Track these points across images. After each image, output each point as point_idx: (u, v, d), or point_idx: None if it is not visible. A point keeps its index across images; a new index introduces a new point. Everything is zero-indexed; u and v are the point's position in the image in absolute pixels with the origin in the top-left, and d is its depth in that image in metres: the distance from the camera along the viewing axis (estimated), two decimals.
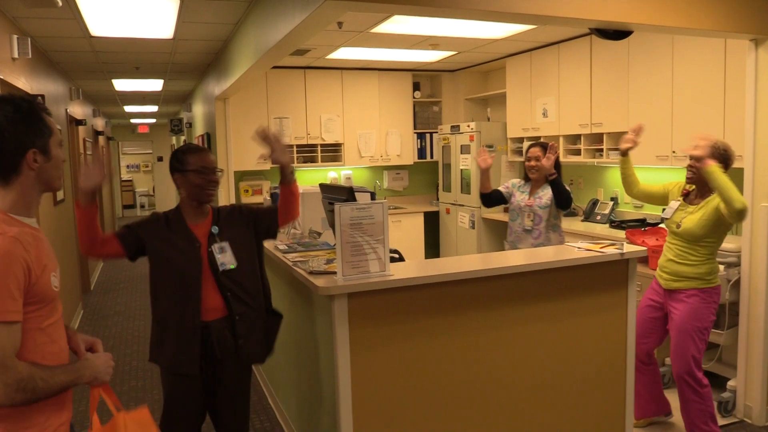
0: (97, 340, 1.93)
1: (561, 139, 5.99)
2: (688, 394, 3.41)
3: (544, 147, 4.11)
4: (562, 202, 4.00)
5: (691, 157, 3.33)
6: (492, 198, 4.28)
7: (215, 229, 2.71)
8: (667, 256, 3.50)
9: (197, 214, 2.73)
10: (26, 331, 1.56)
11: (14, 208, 1.65)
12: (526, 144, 6.50)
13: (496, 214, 6.78)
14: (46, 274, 1.61)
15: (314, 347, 3.00)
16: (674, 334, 3.44)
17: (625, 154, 3.69)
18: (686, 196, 3.49)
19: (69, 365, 1.70)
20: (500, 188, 4.33)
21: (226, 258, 2.67)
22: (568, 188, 4.05)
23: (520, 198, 4.18)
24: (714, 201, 3.28)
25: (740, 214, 3.12)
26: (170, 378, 2.71)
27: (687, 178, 3.43)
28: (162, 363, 2.71)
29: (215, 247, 2.66)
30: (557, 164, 4.07)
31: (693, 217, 3.35)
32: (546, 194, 4.06)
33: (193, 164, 2.67)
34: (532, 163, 4.09)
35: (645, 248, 3.31)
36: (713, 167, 3.14)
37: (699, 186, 3.41)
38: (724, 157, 3.30)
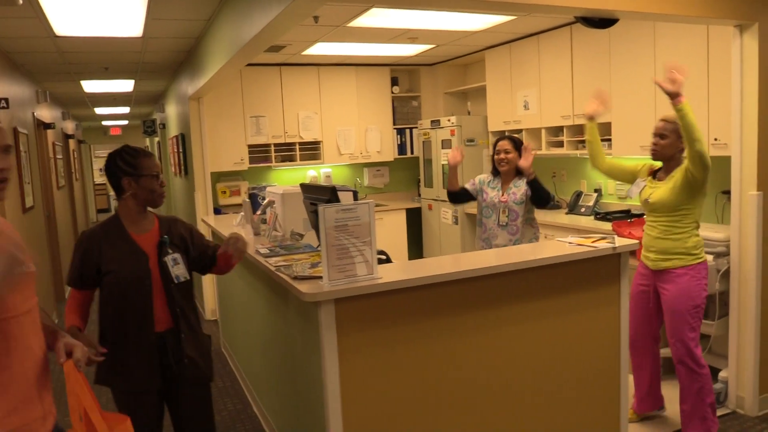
0: (78, 343, 1.88)
1: (543, 132, 5.93)
2: (688, 380, 3.36)
3: (513, 140, 4.05)
4: (541, 201, 3.94)
5: (662, 119, 3.38)
6: (459, 195, 4.23)
7: (166, 239, 2.60)
8: (651, 235, 3.45)
9: (141, 222, 2.61)
10: None
11: None
12: None
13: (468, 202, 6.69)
14: None
15: (300, 354, 2.88)
16: (668, 317, 3.39)
17: (591, 119, 3.64)
18: (654, 174, 3.48)
19: None
20: (467, 185, 4.24)
21: (179, 270, 2.60)
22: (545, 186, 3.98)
23: (493, 194, 4.09)
24: (679, 169, 3.29)
25: (702, 158, 3.11)
26: (128, 397, 2.58)
27: (651, 152, 3.42)
28: (118, 384, 2.57)
29: (168, 259, 2.57)
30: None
31: (663, 188, 3.35)
32: (519, 189, 3.98)
33: (147, 168, 2.56)
34: (501, 156, 4.02)
35: (637, 241, 3.24)
36: (686, 104, 3.11)
37: (665, 162, 3.42)
38: (679, 133, 3.27)
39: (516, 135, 6.23)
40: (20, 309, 1.72)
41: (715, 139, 4.21)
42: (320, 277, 2.53)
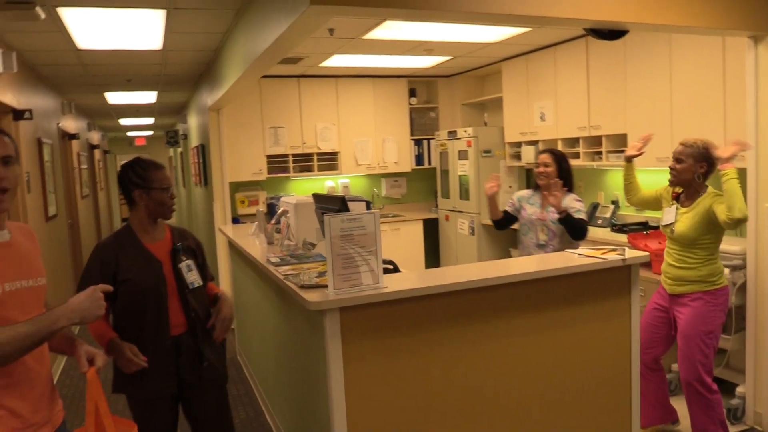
0: (99, 352, 1.97)
1: (559, 143, 5.91)
2: (696, 401, 3.32)
3: (554, 154, 3.91)
4: (576, 236, 3.73)
5: (681, 143, 3.35)
6: (503, 222, 4.09)
7: (179, 246, 2.68)
8: (667, 261, 3.45)
9: (153, 232, 2.68)
10: None
11: None
12: (524, 149, 6.42)
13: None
14: None
15: (307, 363, 2.91)
16: (680, 340, 3.35)
17: (629, 160, 3.63)
18: (677, 198, 3.45)
19: (37, 315, 1.72)
20: (507, 207, 4.10)
21: (193, 276, 2.68)
22: (583, 211, 3.78)
23: (531, 211, 3.93)
24: (704, 202, 3.26)
25: (738, 223, 3.09)
26: (145, 404, 2.63)
27: (670, 182, 3.42)
28: (133, 390, 2.61)
29: (183, 266, 2.65)
30: (569, 179, 3.89)
31: (685, 219, 3.31)
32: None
33: (158, 182, 2.63)
34: (541, 169, 3.86)
35: (647, 253, 3.21)
36: (732, 171, 3.11)
37: (685, 188, 3.38)
38: (704, 156, 3.24)
39: (532, 146, 6.24)
40: (18, 322, 1.72)
41: None
42: (326, 286, 2.55)
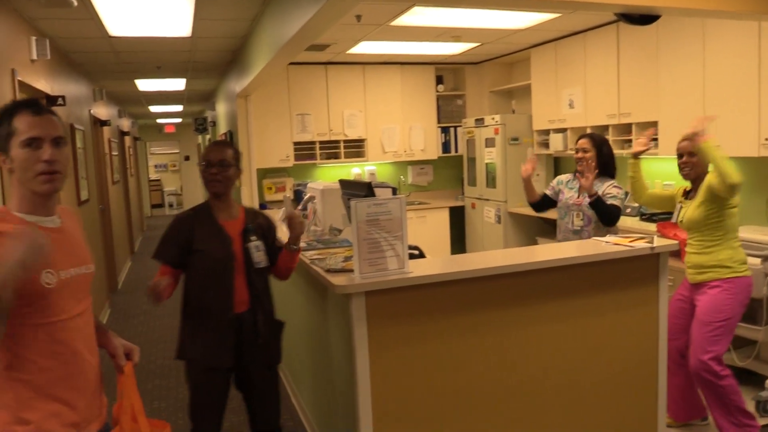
0: (135, 347, 1.92)
1: (588, 131, 5.83)
2: (709, 391, 3.28)
3: (594, 139, 3.81)
4: (606, 221, 3.66)
5: (683, 138, 3.37)
6: (541, 204, 4.02)
7: (251, 227, 2.78)
8: (688, 251, 3.49)
9: (225, 209, 2.79)
10: (16, 326, 1.61)
11: (17, 206, 1.71)
12: (552, 136, 6.36)
13: (523, 208, 6.64)
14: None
15: (333, 346, 2.94)
16: (693, 327, 3.33)
17: (636, 157, 3.61)
18: (686, 195, 3.48)
19: None
20: (546, 191, 4.05)
21: (261, 257, 2.76)
22: (618, 195, 3.69)
23: (569, 195, 3.87)
24: (705, 181, 3.27)
25: (733, 189, 3.10)
26: (200, 372, 2.74)
27: (685, 176, 3.42)
28: (194, 358, 2.74)
29: (252, 245, 2.74)
30: (610, 164, 3.81)
31: (690, 207, 3.35)
32: (597, 192, 3.71)
33: (203, 158, 2.76)
34: (579, 155, 3.78)
35: (677, 242, 3.17)
36: (706, 143, 3.14)
37: (695, 183, 3.40)
38: None
39: (560, 134, 6.18)
40: (72, 311, 1.72)
41: (766, 139, 4.08)
42: (352, 271, 2.57)
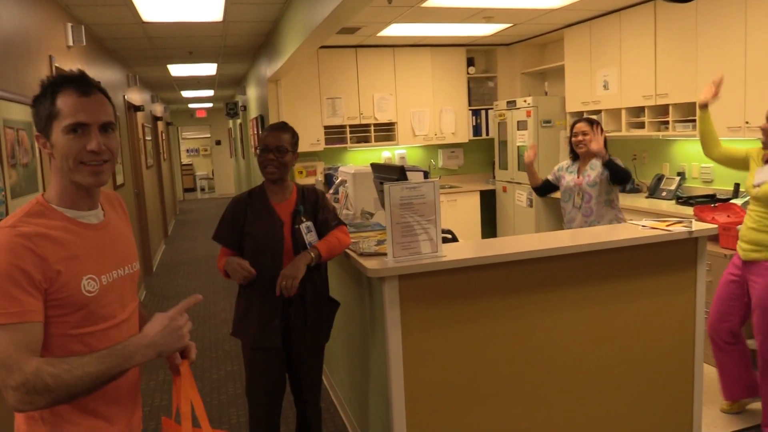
0: (191, 343, 1.64)
1: (623, 112, 5.73)
2: None
3: (591, 122, 3.98)
4: (620, 180, 3.88)
5: None
6: (543, 188, 4.30)
7: (301, 208, 2.76)
8: (746, 224, 3.28)
9: (279, 192, 2.77)
10: (53, 336, 1.42)
11: (57, 198, 1.49)
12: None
13: (555, 192, 6.57)
14: (70, 277, 1.42)
15: (367, 329, 2.95)
16: (755, 312, 3.22)
17: (704, 107, 3.47)
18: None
19: (106, 349, 1.40)
20: (548, 177, 4.28)
21: (313, 237, 2.74)
22: (622, 164, 3.87)
23: (569, 179, 4.09)
24: None
25: None
26: (251, 351, 2.77)
27: (763, 143, 3.22)
28: (245, 338, 2.78)
29: (303, 227, 2.72)
30: (605, 146, 3.95)
31: None
32: (594, 171, 3.93)
33: (261, 143, 2.73)
34: (579, 138, 3.97)
35: (716, 226, 3.10)
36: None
37: None
38: None
39: (594, 116, 6.08)
40: (116, 318, 1.54)
41: None
42: (385, 254, 2.57)
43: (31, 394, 1.30)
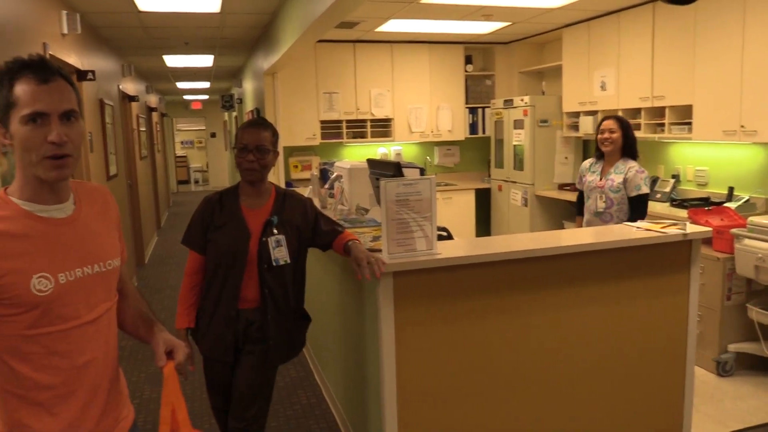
0: (180, 343, 1.63)
1: (620, 113, 5.72)
2: None
3: (620, 120, 3.86)
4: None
5: None
6: (580, 200, 4.15)
7: (275, 219, 2.51)
8: None
9: (255, 196, 2.54)
10: (5, 336, 1.36)
11: (18, 190, 1.42)
12: (582, 119, 6.26)
13: (550, 191, 6.57)
14: (17, 276, 1.34)
15: (360, 325, 2.94)
16: None
17: None
18: None
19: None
20: (577, 186, 4.19)
21: (281, 253, 2.49)
22: (642, 189, 3.75)
23: (591, 179, 3.95)
24: None
25: None
26: (204, 361, 2.65)
27: None
28: (200, 348, 2.62)
29: (271, 240, 2.47)
30: (635, 147, 3.87)
31: None
32: (619, 176, 3.80)
33: (238, 141, 2.49)
34: (605, 135, 3.83)
35: (710, 229, 3.10)
36: None
37: None
38: None
39: (591, 116, 6.08)
40: (81, 318, 1.44)
41: None
42: (380, 250, 2.56)
43: None
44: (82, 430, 1.47)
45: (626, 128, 3.85)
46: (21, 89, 1.34)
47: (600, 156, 3.97)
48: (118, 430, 1.58)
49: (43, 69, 1.37)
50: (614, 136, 3.81)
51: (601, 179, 3.87)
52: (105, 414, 1.53)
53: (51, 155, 1.36)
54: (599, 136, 3.89)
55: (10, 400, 1.40)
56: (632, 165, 3.79)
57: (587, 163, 4.09)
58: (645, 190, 3.73)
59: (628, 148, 3.83)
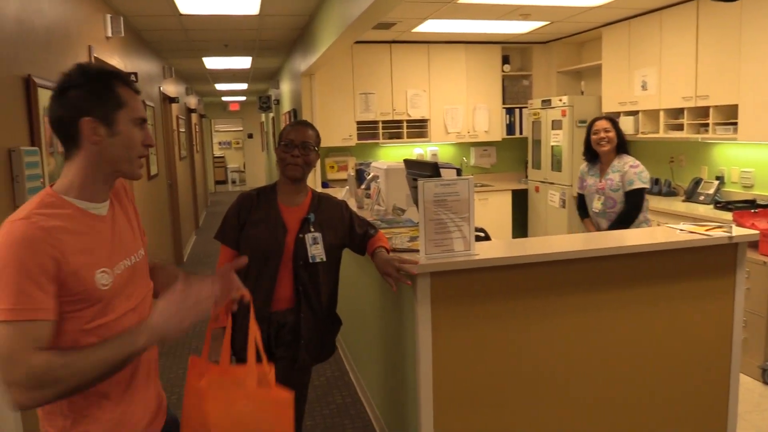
0: (245, 291, 1.82)
1: (661, 114, 5.61)
2: None
3: (612, 120, 3.92)
4: (621, 218, 3.84)
5: None
6: (582, 203, 4.21)
7: (312, 217, 2.53)
8: None
9: (292, 194, 2.56)
10: (66, 333, 1.38)
11: (72, 189, 1.44)
12: (623, 119, 6.14)
13: None
14: (86, 272, 1.39)
15: (397, 326, 2.94)
16: None
17: None
18: None
19: (117, 335, 1.39)
20: (579, 191, 4.23)
21: (317, 250, 2.49)
22: (639, 183, 3.78)
23: (591, 182, 4.02)
24: None
25: None
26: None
27: None
28: (232, 349, 2.49)
29: (308, 237, 2.49)
30: (626, 142, 3.94)
31: None
32: (617, 174, 3.85)
33: (283, 138, 2.52)
34: (601, 135, 3.88)
35: (757, 232, 3.01)
36: None
37: None
38: None
39: (631, 117, 5.97)
40: (122, 309, 1.49)
41: None
42: (417, 251, 2.55)
43: (34, 389, 1.27)
44: (142, 411, 1.56)
45: (617, 125, 3.94)
46: (124, 93, 1.47)
47: (593, 158, 4.02)
48: (163, 408, 1.68)
49: (132, 82, 1.51)
50: (610, 135, 3.87)
51: (600, 180, 3.94)
52: (157, 394, 1.65)
53: (143, 155, 1.52)
54: (594, 137, 3.94)
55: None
56: (627, 160, 3.87)
57: (584, 168, 4.14)
58: (638, 184, 3.78)
59: (622, 144, 3.91)
